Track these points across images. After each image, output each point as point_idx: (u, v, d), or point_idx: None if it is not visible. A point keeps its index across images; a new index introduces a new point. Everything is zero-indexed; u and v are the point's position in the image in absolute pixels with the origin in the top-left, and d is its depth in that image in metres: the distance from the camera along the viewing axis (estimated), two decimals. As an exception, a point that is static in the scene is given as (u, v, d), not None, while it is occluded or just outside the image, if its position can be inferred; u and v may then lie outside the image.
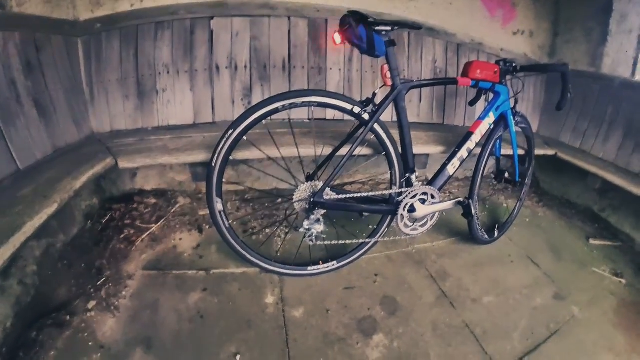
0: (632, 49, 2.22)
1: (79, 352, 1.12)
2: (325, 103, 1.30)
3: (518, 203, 2.12)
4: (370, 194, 1.47)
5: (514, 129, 1.81)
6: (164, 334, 1.21)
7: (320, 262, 1.55)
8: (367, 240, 1.60)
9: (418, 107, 2.33)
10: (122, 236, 1.66)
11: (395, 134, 1.46)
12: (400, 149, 1.49)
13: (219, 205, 1.36)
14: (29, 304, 1.23)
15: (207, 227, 1.81)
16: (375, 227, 1.63)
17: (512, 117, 1.77)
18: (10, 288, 1.18)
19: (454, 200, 1.63)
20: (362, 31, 1.23)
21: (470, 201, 1.66)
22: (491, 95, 1.72)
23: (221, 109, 1.97)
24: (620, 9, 2.19)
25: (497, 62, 1.66)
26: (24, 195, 1.14)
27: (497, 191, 2.58)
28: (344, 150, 1.48)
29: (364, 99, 1.37)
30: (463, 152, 1.62)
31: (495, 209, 2.34)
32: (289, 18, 1.94)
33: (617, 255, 1.95)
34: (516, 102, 1.79)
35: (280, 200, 2.08)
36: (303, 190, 1.38)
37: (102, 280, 1.39)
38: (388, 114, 2.04)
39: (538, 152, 2.20)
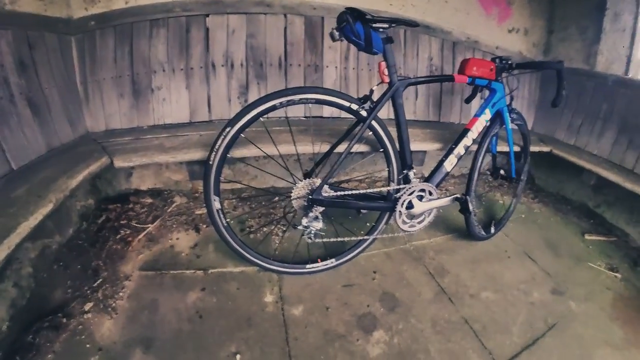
0: (625, 47, 2.25)
1: (76, 355, 1.10)
2: (323, 100, 1.29)
3: (514, 199, 2.14)
4: (369, 191, 1.47)
5: (510, 125, 1.82)
6: (163, 335, 1.20)
7: (319, 260, 1.54)
8: (365, 237, 1.60)
9: (414, 104, 2.34)
10: (118, 236, 1.64)
11: (393, 131, 1.47)
12: (397, 145, 1.49)
13: (216, 204, 1.35)
14: (25, 307, 1.21)
15: (204, 226, 1.80)
16: (374, 224, 1.63)
17: (507, 114, 1.78)
18: (5, 291, 1.17)
19: (452, 197, 1.64)
20: (360, 28, 1.23)
21: (468, 197, 1.67)
22: (487, 93, 1.73)
23: (217, 107, 1.95)
24: (614, 7, 2.22)
25: (493, 60, 1.67)
26: (18, 195, 1.13)
27: (492, 188, 2.60)
28: (341, 148, 1.49)
29: (360, 96, 1.36)
30: (460, 149, 1.62)
31: (491, 205, 2.35)
32: (285, 16, 1.93)
33: (612, 250, 1.98)
34: (512, 99, 1.80)
35: (277, 198, 2.07)
36: (301, 188, 1.38)
37: (98, 282, 1.38)
38: (384, 112, 2.05)
39: (533, 148, 2.22)
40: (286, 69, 2.00)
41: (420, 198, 1.55)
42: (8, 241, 0.94)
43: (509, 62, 1.67)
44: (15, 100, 1.32)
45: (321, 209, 1.40)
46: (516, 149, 2.01)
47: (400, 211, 1.51)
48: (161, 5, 1.74)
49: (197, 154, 1.52)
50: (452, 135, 1.89)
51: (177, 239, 1.70)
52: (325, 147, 1.56)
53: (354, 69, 2.14)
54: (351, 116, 1.38)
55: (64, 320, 1.19)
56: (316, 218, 1.39)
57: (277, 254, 1.62)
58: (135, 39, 1.75)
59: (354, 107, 1.33)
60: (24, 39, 1.38)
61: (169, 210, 1.91)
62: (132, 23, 1.72)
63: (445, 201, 1.60)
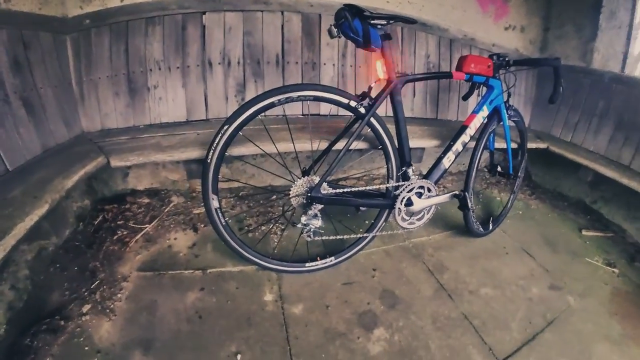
0: (621, 44, 2.26)
1: (75, 358, 1.09)
2: (322, 97, 1.29)
3: (511, 196, 2.15)
4: (367, 188, 1.47)
5: (507, 122, 1.83)
6: (163, 336, 1.19)
7: (318, 258, 1.54)
8: (364, 234, 1.60)
9: (412, 101, 2.34)
10: (115, 237, 1.63)
11: (391, 128, 1.46)
12: (396, 142, 1.49)
13: (214, 203, 1.34)
14: (22, 310, 1.19)
15: (202, 225, 1.79)
16: (373, 221, 1.63)
17: (505, 110, 1.79)
18: (2, 293, 1.15)
19: (450, 194, 1.64)
20: (358, 25, 1.23)
21: (466, 194, 1.67)
22: (484, 90, 1.73)
23: (214, 105, 1.94)
24: (610, 5, 2.23)
25: (491, 57, 1.67)
26: (13, 196, 1.11)
27: (490, 185, 2.61)
28: (339, 145, 1.48)
29: (358, 93, 1.36)
30: (458, 146, 1.63)
31: (489, 202, 2.36)
32: (282, 13, 1.92)
33: (609, 245, 1.99)
34: (509, 96, 1.81)
35: (275, 197, 2.07)
36: (300, 186, 1.37)
37: (96, 283, 1.36)
38: (382, 109, 2.04)
39: (530, 145, 2.23)
40: (283, 66, 1.99)
41: (419, 195, 1.55)
42: (4, 243, 0.93)
43: (506, 59, 1.67)
44: (10, 100, 1.30)
45: (320, 206, 1.40)
46: (513, 145, 2.02)
47: (399, 208, 1.51)
48: (157, 3, 1.72)
49: (194, 153, 1.51)
50: (449, 133, 1.89)
51: (175, 239, 1.68)
52: (323, 145, 1.55)
53: (351, 66, 2.13)
54: (349, 114, 1.38)
55: (62, 322, 1.18)
56: (315, 216, 1.39)
57: (276, 252, 1.61)
58: (131, 37, 1.73)
59: (353, 104, 1.33)
60: (18, 38, 1.36)
61: (166, 210, 1.89)
62: (128, 21, 1.70)
63: (444, 198, 1.61)
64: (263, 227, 1.81)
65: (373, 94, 1.36)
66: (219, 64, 1.89)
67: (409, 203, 1.53)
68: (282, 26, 1.95)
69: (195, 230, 1.75)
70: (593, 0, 2.28)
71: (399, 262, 1.68)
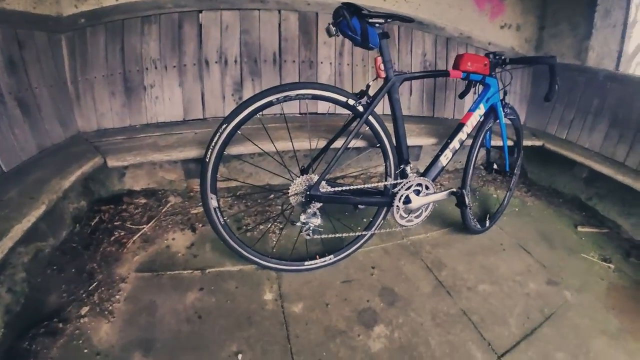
0: (616, 42, 2.28)
1: (75, 360, 1.08)
2: (320, 95, 1.29)
3: (508, 193, 2.17)
4: (366, 186, 1.47)
5: (504, 120, 1.84)
6: (162, 336, 1.18)
7: (317, 257, 1.54)
8: (363, 232, 1.60)
9: (409, 100, 2.34)
10: (112, 238, 1.61)
11: (389, 126, 1.47)
12: (394, 140, 1.49)
13: (213, 202, 1.34)
14: (20, 313, 1.18)
15: (200, 225, 1.78)
16: (371, 219, 1.64)
17: (501, 108, 1.80)
18: (-1, 297, 1.14)
19: (448, 191, 1.65)
20: (356, 23, 1.23)
21: (464, 191, 1.68)
22: (481, 88, 1.74)
23: (212, 104, 1.93)
24: (605, 3, 2.25)
25: (487, 55, 1.68)
26: (9, 198, 1.10)
27: (486, 182, 2.63)
28: (338, 143, 1.49)
29: (355, 92, 1.36)
30: (455, 143, 1.64)
31: (485, 199, 2.38)
32: (279, 11, 1.92)
33: (604, 241, 2.02)
34: (505, 94, 1.82)
35: (272, 195, 2.06)
36: (299, 184, 1.37)
37: (94, 285, 1.35)
38: (379, 107, 2.05)
39: (526, 143, 2.25)
40: (281, 65, 1.99)
41: (418, 193, 1.56)
42: (1, 245, 0.92)
43: (503, 57, 1.69)
44: (5, 100, 1.29)
45: (319, 204, 1.40)
46: (510, 143, 2.03)
47: (397, 206, 1.51)
48: (153, 2, 1.71)
49: (192, 152, 1.50)
50: (446, 130, 1.90)
51: (173, 239, 1.68)
52: (321, 144, 1.55)
53: (348, 64, 2.14)
54: (346, 112, 1.38)
55: (60, 325, 1.17)
56: (314, 214, 1.39)
57: (275, 251, 1.61)
58: (127, 36, 1.71)
59: (351, 102, 1.33)
60: (13, 37, 1.34)
61: (163, 210, 1.88)
62: (123, 20, 1.69)
63: (441, 195, 1.61)
64: (261, 226, 1.81)
65: (371, 93, 1.36)
66: (216, 62, 1.88)
67: (407, 201, 1.54)
68: (279, 25, 1.94)
69: (193, 230, 1.75)
70: (588, -2, 2.30)
71: (398, 259, 1.68)
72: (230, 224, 1.75)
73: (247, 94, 1.95)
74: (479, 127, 1.74)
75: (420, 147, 1.95)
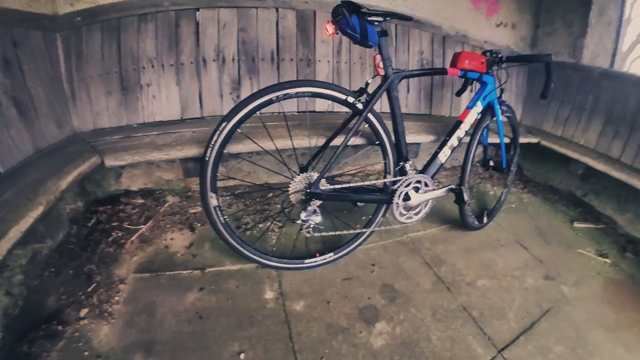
0: (610, 40, 2.31)
1: (75, 363, 1.07)
2: (320, 93, 1.29)
3: (505, 190, 2.19)
4: (366, 183, 1.48)
5: (500, 117, 1.86)
6: (163, 337, 1.17)
7: (317, 254, 1.54)
8: (363, 230, 1.61)
9: (406, 97, 2.35)
10: (110, 239, 1.60)
11: (388, 124, 1.47)
12: (393, 138, 1.50)
13: (213, 201, 1.33)
14: (18, 316, 1.17)
15: (199, 225, 1.77)
16: (371, 217, 1.64)
17: (498, 106, 1.81)
18: (-3, 300, 1.13)
19: (447, 188, 1.66)
20: (356, 21, 1.23)
21: (462, 188, 1.70)
22: (478, 86, 1.75)
23: (209, 103, 1.92)
24: (600, 2, 2.28)
25: (484, 53, 1.70)
26: (6, 199, 1.08)
27: (483, 179, 2.65)
28: (337, 141, 1.48)
29: (353, 89, 1.36)
30: (453, 141, 1.65)
31: (482, 196, 2.40)
32: (277, 9, 1.91)
33: (600, 236, 2.04)
34: (502, 91, 1.84)
35: (271, 194, 2.06)
36: (298, 182, 1.37)
37: (92, 286, 1.33)
38: (378, 105, 2.06)
39: (522, 140, 2.27)
40: (278, 63, 1.98)
41: (417, 189, 1.56)
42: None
43: (499, 55, 1.70)
44: (1, 100, 1.27)
45: (319, 202, 1.40)
46: (506, 140, 2.05)
47: (397, 203, 1.52)
48: (149, 0, 1.69)
49: (191, 151, 1.49)
50: (444, 128, 1.92)
51: (172, 239, 1.66)
52: (320, 141, 1.55)
53: (346, 62, 2.14)
54: (345, 110, 1.38)
55: (60, 327, 1.15)
56: (314, 212, 1.39)
57: (275, 250, 1.61)
58: (123, 34, 1.70)
59: (351, 99, 1.33)
60: (8, 36, 1.32)
61: (161, 210, 1.87)
62: (120, 18, 1.67)
63: (440, 192, 1.62)
64: (261, 225, 1.81)
65: (370, 90, 1.37)
66: (214, 61, 1.87)
67: (407, 198, 1.54)
68: (277, 23, 1.94)
69: (192, 229, 1.74)
70: (583, -4, 2.32)
71: (397, 256, 1.69)
72: (230, 223, 1.74)
73: (245, 92, 1.94)
74: (477, 124, 1.75)
75: (419, 144, 1.96)
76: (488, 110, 1.78)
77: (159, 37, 1.75)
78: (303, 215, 1.38)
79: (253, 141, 1.47)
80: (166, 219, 1.80)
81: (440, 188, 1.64)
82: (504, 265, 1.70)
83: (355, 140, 1.62)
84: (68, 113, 1.67)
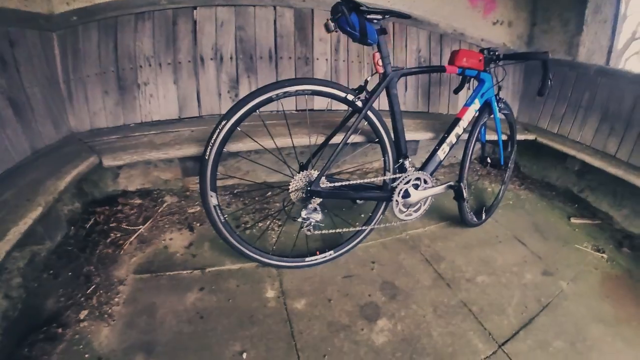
0: (606, 38, 2.32)
1: (76, 366, 1.06)
2: (319, 91, 1.29)
3: (502, 186, 2.20)
4: (365, 181, 1.48)
5: (498, 115, 1.87)
6: (164, 338, 1.17)
7: (318, 253, 1.54)
8: (363, 227, 1.61)
9: (404, 95, 2.36)
10: (108, 240, 1.59)
11: (387, 121, 1.47)
12: (392, 135, 1.50)
13: (213, 200, 1.33)
14: (17, 319, 1.16)
15: (198, 224, 1.76)
16: (370, 214, 1.65)
17: (496, 103, 1.82)
18: (-4, 304, 1.12)
19: (446, 185, 1.67)
20: (355, 19, 1.23)
21: (461, 184, 1.71)
22: (476, 83, 1.76)
23: (207, 102, 1.91)
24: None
25: (482, 51, 1.71)
26: (5, 200, 1.07)
27: (481, 176, 2.66)
28: (336, 139, 1.49)
29: (352, 87, 1.36)
30: (452, 138, 1.66)
31: (480, 193, 2.41)
32: (274, 8, 1.90)
33: (597, 232, 2.07)
34: (500, 89, 1.85)
35: (270, 192, 2.06)
36: (299, 180, 1.37)
37: (92, 288, 1.32)
38: (376, 103, 2.07)
39: (519, 137, 2.28)
40: (276, 61, 1.98)
41: (416, 187, 1.57)
42: (-1, 248, 0.90)
43: (497, 52, 1.71)
44: (-4, 101, 1.25)
45: (319, 200, 1.40)
46: (504, 137, 2.06)
47: (397, 200, 1.52)
48: (146, -2, 1.68)
49: (190, 150, 1.48)
50: (442, 125, 1.92)
51: (171, 239, 1.66)
52: (319, 140, 1.55)
53: (344, 61, 2.14)
54: (344, 108, 1.38)
55: (60, 330, 1.14)
56: (315, 210, 1.39)
57: (275, 248, 1.61)
58: (120, 33, 1.68)
59: (350, 97, 1.33)
60: (4, 35, 1.30)
61: (160, 210, 1.86)
62: (117, 17, 1.65)
63: (440, 189, 1.63)
64: (260, 224, 1.80)
65: (369, 88, 1.37)
66: (211, 59, 1.86)
67: (406, 195, 1.55)
68: (275, 21, 1.93)
69: (191, 229, 1.73)
70: (579, -6, 2.34)
71: (397, 254, 1.70)
72: (229, 223, 1.74)
73: (243, 90, 1.94)
74: (475, 121, 1.76)
75: (417, 141, 1.97)
76: (486, 108, 1.80)
77: (156, 35, 1.74)
78: (304, 213, 1.38)
79: (253, 139, 1.46)
80: (165, 219, 1.79)
81: (440, 185, 1.64)
82: (502, 262, 1.72)
83: (355, 138, 1.62)
84: (65, 113, 1.65)
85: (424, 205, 1.64)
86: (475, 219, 1.93)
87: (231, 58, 1.89)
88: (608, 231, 2.08)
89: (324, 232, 1.46)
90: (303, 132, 1.64)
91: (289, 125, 1.55)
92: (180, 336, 1.18)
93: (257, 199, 2.04)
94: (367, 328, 1.28)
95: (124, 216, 1.77)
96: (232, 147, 1.50)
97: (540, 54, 1.67)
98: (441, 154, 1.64)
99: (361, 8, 1.22)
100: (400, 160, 1.53)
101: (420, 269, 1.61)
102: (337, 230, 1.52)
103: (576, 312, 1.44)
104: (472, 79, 1.76)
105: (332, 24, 1.23)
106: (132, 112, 1.79)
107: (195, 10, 1.78)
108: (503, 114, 1.97)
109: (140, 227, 1.70)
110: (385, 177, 1.53)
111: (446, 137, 1.65)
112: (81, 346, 1.11)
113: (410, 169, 1.54)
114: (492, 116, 1.84)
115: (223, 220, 1.37)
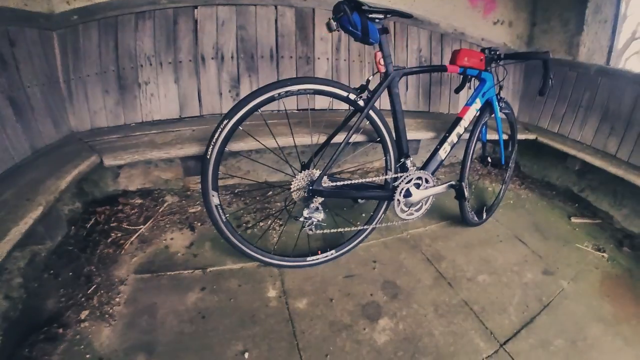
0: (606, 38, 2.33)
1: (77, 366, 1.06)
2: (321, 90, 1.29)
3: (503, 186, 2.21)
4: (367, 180, 1.48)
5: (499, 114, 1.87)
6: (165, 338, 1.17)
7: (319, 252, 1.54)
8: (364, 227, 1.61)
9: (405, 95, 2.36)
10: (109, 240, 1.58)
11: (388, 121, 1.47)
12: (394, 134, 1.50)
13: (215, 199, 1.33)
14: (18, 319, 1.16)
15: (199, 224, 1.76)
16: (372, 214, 1.65)
17: (497, 103, 1.82)
18: (-4, 304, 1.11)
19: (447, 184, 1.67)
20: (357, 19, 1.23)
21: (463, 184, 1.71)
22: (477, 83, 1.76)
23: (208, 101, 1.90)
24: (595, -1, 2.29)
25: (483, 50, 1.71)
26: (5, 200, 1.07)
27: (482, 176, 2.66)
28: (338, 138, 1.49)
29: (354, 86, 1.36)
30: (453, 137, 1.66)
31: (481, 192, 2.41)
32: (275, 7, 1.89)
33: (597, 231, 2.07)
34: (500, 88, 1.85)
35: (271, 192, 2.05)
36: (301, 179, 1.37)
37: (92, 288, 1.32)
38: (377, 102, 2.07)
39: (520, 136, 2.28)
40: (277, 61, 1.97)
41: (418, 186, 1.57)
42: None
43: (498, 52, 1.71)
44: (-4, 100, 1.25)
45: (320, 199, 1.40)
46: (505, 137, 2.06)
47: (398, 199, 1.52)
48: (147, -3, 1.68)
49: (192, 149, 1.48)
50: (443, 125, 1.92)
51: (172, 239, 1.65)
52: (321, 139, 1.55)
53: (345, 60, 2.13)
54: (345, 107, 1.38)
55: (60, 330, 1.14)
56: (317, 209, 1.39)
57: (276, 248, 1.61)
58: (120, 32, 1.67)
59: (352, 96, 1.33)
60: (4, 34, 1.30)
61: (160, 210, 1.85)
62: (117, 16, 1.64)
63: (441, 188, 1.63)
64: (261, 224, 1.80)
65: (371, 87, 1.37)
66: (212, 58, 1.86)
67: (408, 194, 1.55)
68: (276, 20, 1.92)
69: (192, 229, 1.73)
70: (579, -6, 2.34)
71: (398, 253, 1.70)
72: (231, 222, 1.74)
73: (244, 90, 1.93)
74: (476, 121, 1.76)
75: (419, 141, 1.97)
76: (487, 107, 1.80)
77: (156, 35, 1.73)
78: (305, 213, 1.38)
79: (255, 139, 1.46)
80: (165, 218, 1.79)
81: (441, 184, 1.64)
82: (503, 261, 1.72)
83: (357, 138, 1.62)
84: (65, 112, 1.65)
85: (425, 204, 1.64)
86: (476, 218, 1.93)
87: (232, 57, 1.89)
88: (608, 231, 2.08)
89: (325, 231, 1.46)
90: (304, 131, 1.64)
91: (291, 125, 1.55)
92: (182, 336, 1.18)
93: (258, 198, 2.04)
94: (368, 327, 1.28)
95: (124, 216, 1.76)
96: (233, 146, 1.49)
97: (541, 54, 1.67)
98: (442, 153, 1.64)
99: (363, 7, 1.22)
100: (402, 160, 1.54)
101: (422, 269, 1.61)
102: (339, 230, 1.52)
103: (577, 311, 1.44)
104: (473, 79, 1.76)
105: (334, 23, 1.23)
106: (132, 111, 1.79)
107: (196, 10, 1.77)
108: (504, 113, 1.97)
109: (141, 226, 1.70)
110: (386, 177, 1.53)
111: (447, 137, 1.65)
112: (82, 346, 1.11)
113: (411, 168, 1.54)
114: (493, 116, 1.84)
115: (224, 220, 1.37)
